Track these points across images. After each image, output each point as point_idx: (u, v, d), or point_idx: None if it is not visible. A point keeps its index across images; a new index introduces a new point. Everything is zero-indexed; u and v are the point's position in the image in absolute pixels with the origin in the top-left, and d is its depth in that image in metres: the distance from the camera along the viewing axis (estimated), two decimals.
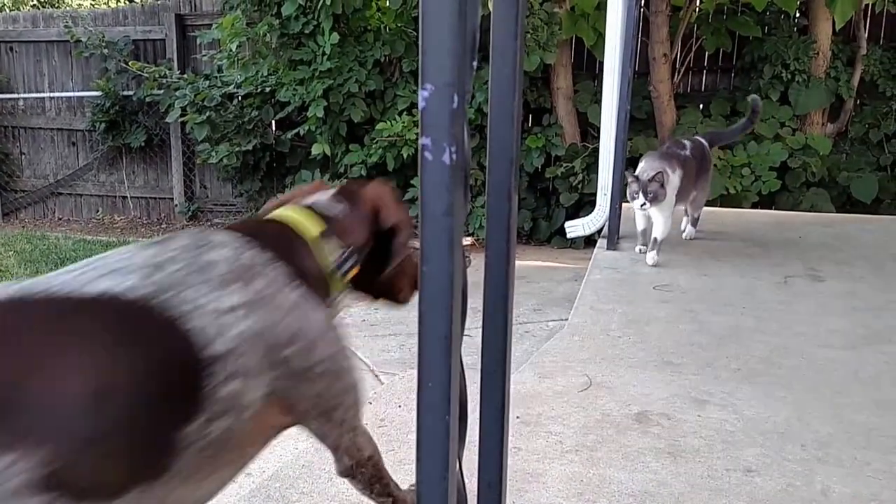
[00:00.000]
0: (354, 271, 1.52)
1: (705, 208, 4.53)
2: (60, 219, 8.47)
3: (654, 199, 3.73)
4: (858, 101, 6.51)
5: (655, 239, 3.92)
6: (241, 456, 1.26)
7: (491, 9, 1.16)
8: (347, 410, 1.43)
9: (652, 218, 3.93)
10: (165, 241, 1.25)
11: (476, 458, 1.32)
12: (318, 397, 1.36)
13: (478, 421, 1.28)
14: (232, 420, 1.16)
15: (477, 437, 1.33)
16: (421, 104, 0.86)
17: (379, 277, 1.59)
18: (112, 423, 1.01)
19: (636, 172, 3.85)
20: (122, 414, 1.03)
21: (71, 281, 1.11)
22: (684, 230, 4.48)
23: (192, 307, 1.15)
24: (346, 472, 1.52)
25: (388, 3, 6.39)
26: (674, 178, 3.86)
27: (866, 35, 6.38)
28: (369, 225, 1.57)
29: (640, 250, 4.05)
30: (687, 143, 4.20)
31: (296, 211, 1.49)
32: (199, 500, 1.20)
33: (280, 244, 1.38)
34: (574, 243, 6.06)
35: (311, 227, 1.47)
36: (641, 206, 3.76)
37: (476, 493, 1.27)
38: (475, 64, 0.95)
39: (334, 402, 1.40)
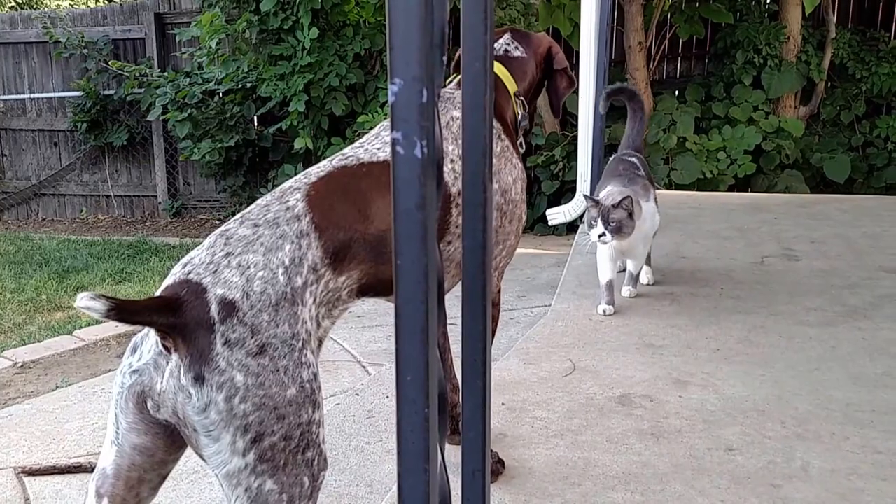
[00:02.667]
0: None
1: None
2: (44, 219, 8.49)
3: (619, 230, 2.88)
4: (829, 84, 6.65)
5: (631, 273, 3.26)
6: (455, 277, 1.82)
7: (460, 2, 1.15)
8: (505, 250, 1.89)
9: (626, 256, 3.21)
10: None
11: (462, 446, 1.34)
12: (495, 230, 1.80)
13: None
14: (458, 244, 1.69)
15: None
16: (391, 98, 0.86)
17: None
18: None
19: (599, 196, 3.07)
20: None
21: (362, 153, 1.60)
22: (635, 281, 3.36)
23: (448, 168, 1.66)
24: None
25: None
26: (648, 207, 3.11)
27: (835, 19, 6.50)
28: (541, 67, 2.05)
29: (605, 311, 3.09)
30: (634, 160, 3.33)
31: (498, 67, 1.93)
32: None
33: (496, 100, 1.85)
34: (556, 230, 6.13)
35: (511, 83, 1.92)
36: (600, 236, 2.89)
37: (461, 481, 1.27)
38: (445, 59, 0.96)
39: (503, 237, 1.86)
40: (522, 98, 1.98)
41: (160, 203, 8.07)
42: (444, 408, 1.01)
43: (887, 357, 2.61)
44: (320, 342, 1.44)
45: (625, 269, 3.33)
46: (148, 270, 5.52)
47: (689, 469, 1.93)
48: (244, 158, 7.20)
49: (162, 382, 1.27)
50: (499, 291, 2.00)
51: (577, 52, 5.41)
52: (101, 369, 3.52)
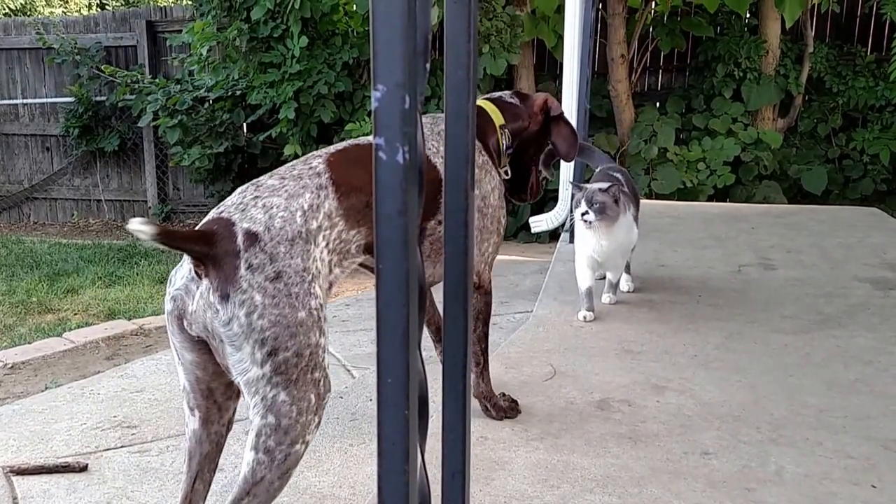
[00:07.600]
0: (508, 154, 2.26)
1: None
2: (36, 223, 8.52)
3: (602, 211, 2.90)
4: (807, 97, 6.76)
5: (611, 281, 3.28)
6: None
7: (444, 12, 1.15)
8: (490, 246, 2.14)
9: (604, 268, 3.21)
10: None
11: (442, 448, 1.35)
12: (480, 230, 2.08)
13: (440, 412, 1.31)
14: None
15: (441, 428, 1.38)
16: (374, 105, 0.86)
17: (528, 162, 2.35)
18: None
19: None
20: None
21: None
22: (615, 288, 3.35)
23: (436, 159, 1.89)
24: None
25: (354, 7, 6.52)
26: (626, 219, 3.11)
27: (813, 34, 6.62)
28: (537, 119, 2.29)
29: (586, 318, 3.11)
30: (618, 175, 3.29)
31: (488, 104, 2.22)
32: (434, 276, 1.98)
33: (480, 126, 2.12)
34: (539, 238, 6.16)
35: (498, 118, 2.20)
36: (583, 214, 2.92)
37: (441, 483, 1.27)
38: (428, 66, 0.97)
39: (487, 236, 2.11)
40: (508, 131, 2.25)
41: (150, 208, 8.12)
42: (424, 411, 1.02)
43: (860, 364, 2.65)
44: (331, 285, 1.63)
45: (605, 277, 3.36)
46: (137, 274, 5.54)
47: (666, 472, 1.96)
48: (233, 165, 7.25)
49: (193, 304, 1.47)
50: (489, 281, 2.21)
51: (561, 64, 5.53)
52: (89, 371, 3.52)
